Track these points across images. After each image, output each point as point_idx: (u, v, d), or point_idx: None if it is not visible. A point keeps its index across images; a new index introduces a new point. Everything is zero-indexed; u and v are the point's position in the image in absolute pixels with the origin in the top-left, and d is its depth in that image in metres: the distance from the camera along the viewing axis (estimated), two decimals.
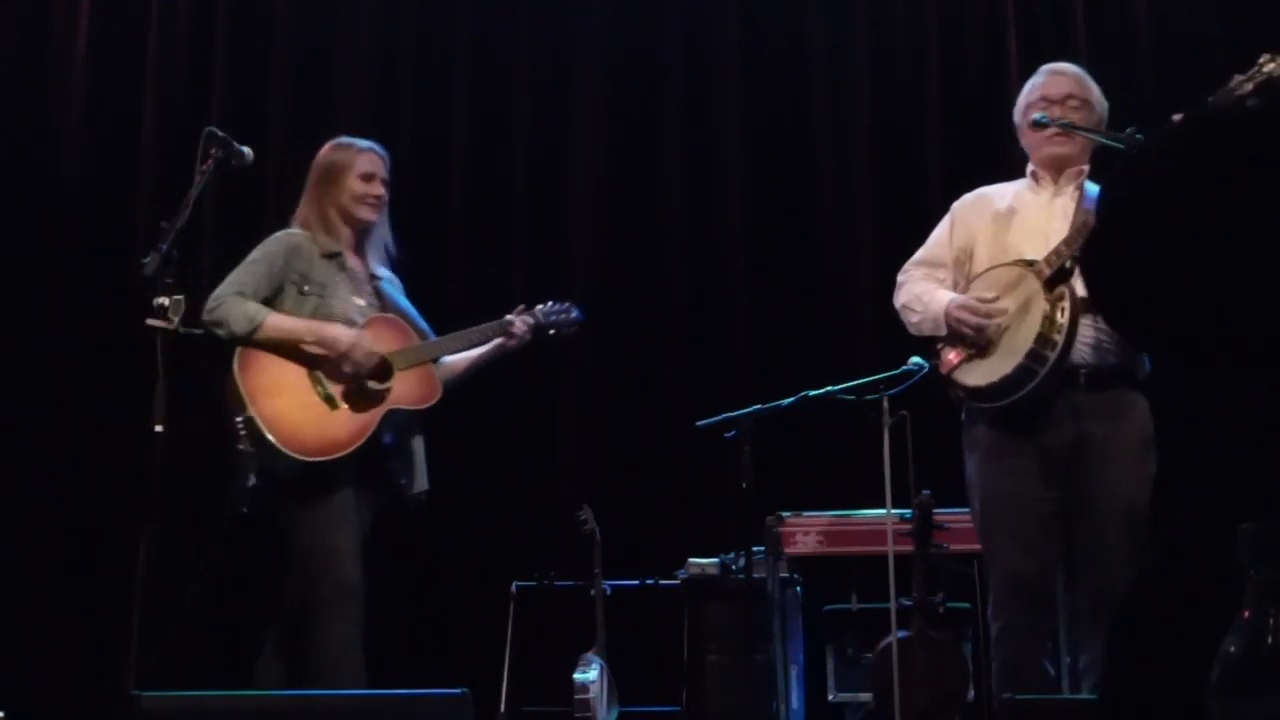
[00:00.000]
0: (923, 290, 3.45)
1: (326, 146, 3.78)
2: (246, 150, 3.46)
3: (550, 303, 3.88)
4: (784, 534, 4.22)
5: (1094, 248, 1.56)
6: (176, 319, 3.16)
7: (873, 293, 5.19)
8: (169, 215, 3.28)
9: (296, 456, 3.42)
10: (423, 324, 3.77)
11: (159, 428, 3.14)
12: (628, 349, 5.24)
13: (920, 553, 3.70)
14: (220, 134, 3.41)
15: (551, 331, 3.84)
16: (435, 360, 3.71)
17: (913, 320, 3.47)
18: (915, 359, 3.73)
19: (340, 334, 3.51)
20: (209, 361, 3.69)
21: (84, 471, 5.02)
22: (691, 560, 4.40)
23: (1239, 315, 1.23)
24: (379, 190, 3.72)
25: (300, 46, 5.51)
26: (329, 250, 3.64)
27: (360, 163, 3.70)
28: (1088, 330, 3.22)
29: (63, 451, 5.06)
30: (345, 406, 3.51)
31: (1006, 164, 5.10)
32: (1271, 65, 2.98)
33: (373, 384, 3.53)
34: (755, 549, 4.02)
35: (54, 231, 5.32)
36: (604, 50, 5.53)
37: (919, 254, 3.55)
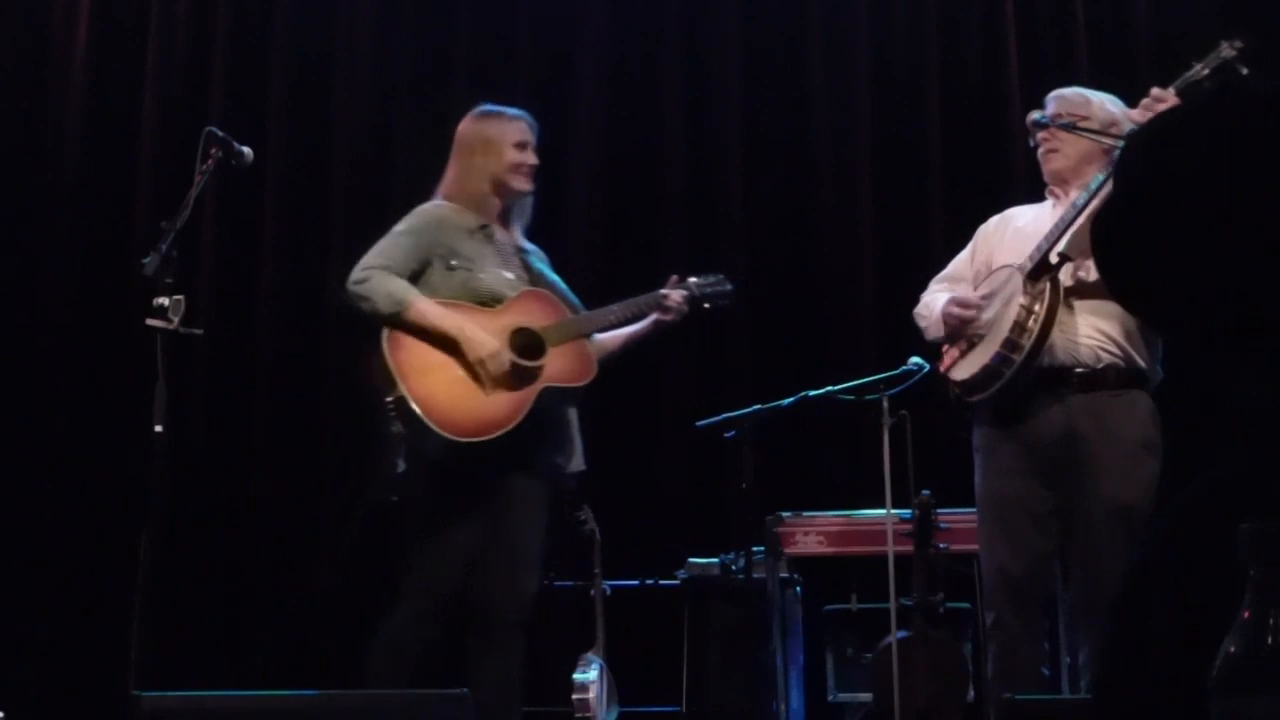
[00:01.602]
0: (932, 299, 3.55)
1: (472, 116, 3.64)
2: (246, 150, 3.45)
3: (703, 275, 3.73)
4: (784, 534, 4.22)
5: (1102, 219, 1.57)
6: (176, 319, 3.16)
7: (873, 293, 5.20)
8: (169, 215, 3.28)
9: (451, 437, 3.23)
10: (573, 298, 3.61)
11: (159, 428, 3.13)
12: (628, 349, 5.23)
13: (920, 553, 3.70)
14: (220, 134, 3.41)
15: (706, 305, 3.68)
16: (588, 336, 3.55)
17: (922, 326, 3.56)
18: (915, 359, 3.74)
19: (481, 343, 3.32)
20: (357, 336, 3.47)
21: (84, 471, 5.02)
22: (691, 560, 4.40)
23: (1237, 298, 1.24)
24: (533, 159, 3.60)
25: (300, 46, 5.51)
26: (476, 223, 3.49)
27: (512, 131, 3.57)
28: (1085, 329, 3.24)
29: (63, 451, 5.06)
30: (498, 387, 3.33)
31: (1006, 164, 5.13)
32: (1228, 50, 3.06)
33: (525, 362, 3.36)
34: (755, 549, 4.03)
35: (54, 231, 5.32)
36: (604, 50, 5.53)
37: (943, 271, 3.64)
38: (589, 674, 4.18)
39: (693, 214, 5.42)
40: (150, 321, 3.15)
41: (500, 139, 3.55)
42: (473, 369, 3.32)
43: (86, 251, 5.30)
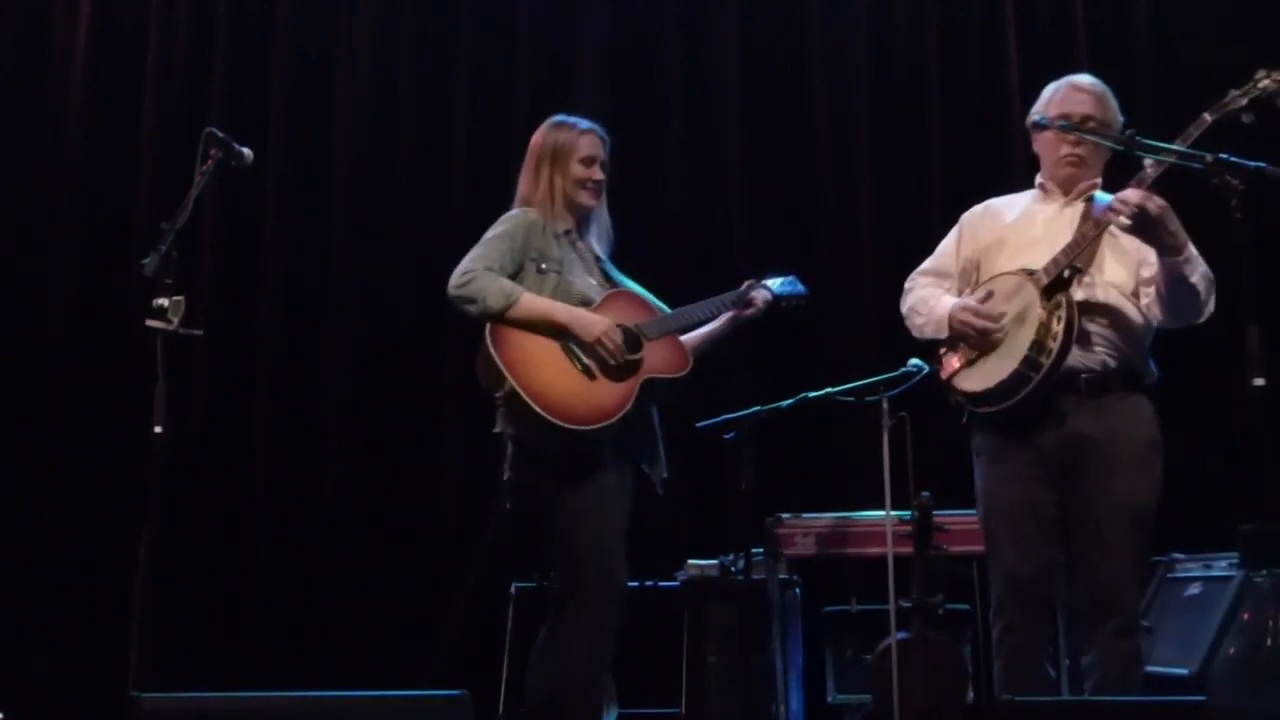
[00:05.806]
0: (928, 294, 3.52)
1: (546, 126, 3.62)
2: (246, 150, 3.45)
3: (778, 276, 3.77)
4: (783, 535, 4.22)
5: None
6: (176, 319, 3.16)
7: (873, 293, 5.20)
8: (169, 215, 3.28)
9: (566, 426, 3.26)
10: (658, 303, 3.63)
11: (159, 428, 3.13)
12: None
13: (920, 554, 3.70)
14: (220, 134, 3.41)
15: (783, 305, 3.73)
16: (680, 332, 3.59)
17: (917, 323, 3.53)
18: (914, 360, 3.74)
19: (594, 321, 3.38)
20: (469, 338, 3.47)
21: (84, 471, 5.02)
22: (691, 561, 4.40)
23: None
24: (599, 175, 3.58)
25: (300, 46, 5.51)
26: (560, 228, 3.52)
27: (582, 145, 3.56)
28: (1090, 335, 3.23)
29: (63, 451, 5.06)
30: (603, 377, 3.38)
31: (1006, 164, 5.13)
32: (1266, 81, 3.04)
33: (627, 355, 3.42)
34: (755, 550, 4.03)
35: (54, 232, 5.32)
36: (604, 50, 5.53)
37: (926, 264, 3.59)
38: None
39: (692, 214, 5.42)
40: (150, 322, 3.15)
41: (569, 153, 3.55)
42: (579, 359, 3.37)
43: (86, 251, 5.30)
